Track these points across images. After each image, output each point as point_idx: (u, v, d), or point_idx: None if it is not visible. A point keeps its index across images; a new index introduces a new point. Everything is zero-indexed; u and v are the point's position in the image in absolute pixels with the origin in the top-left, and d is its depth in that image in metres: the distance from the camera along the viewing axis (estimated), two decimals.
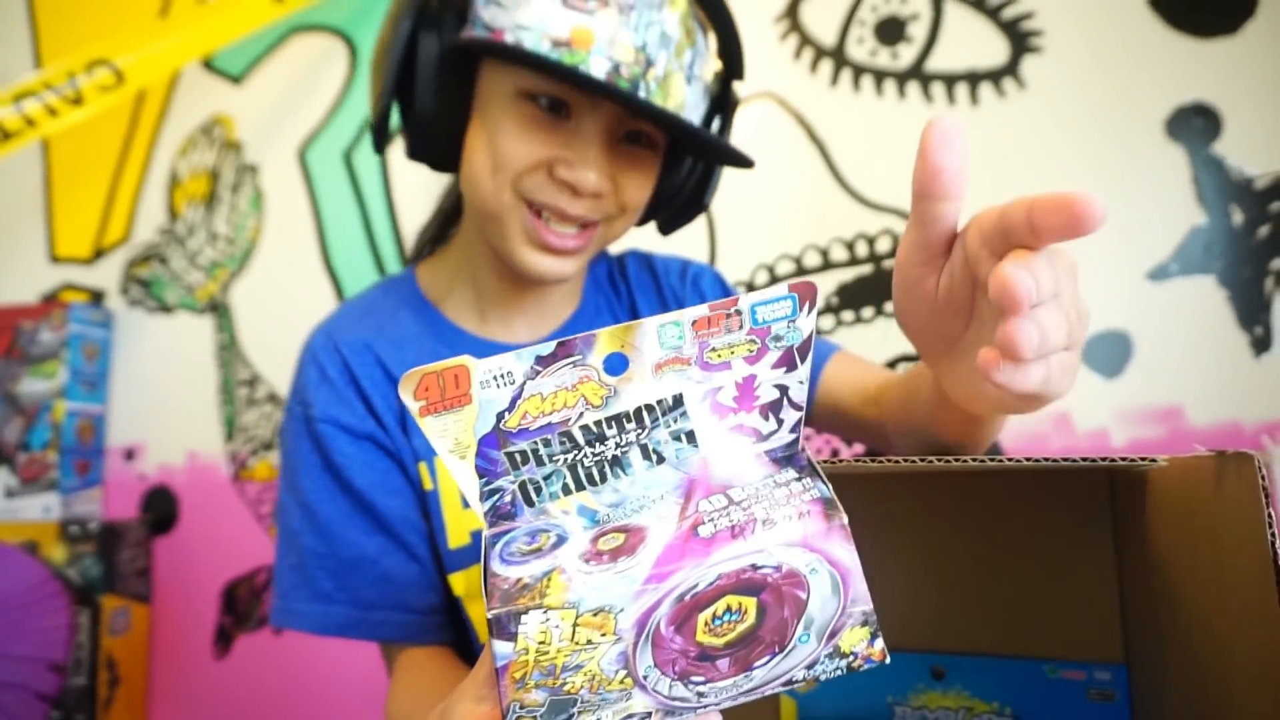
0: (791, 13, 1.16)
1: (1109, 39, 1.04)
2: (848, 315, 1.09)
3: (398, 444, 0.62)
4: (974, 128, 1.07)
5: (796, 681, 0.28)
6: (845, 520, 0.27)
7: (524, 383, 0.28)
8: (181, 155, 1.41)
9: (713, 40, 0.61)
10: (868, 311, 1.08)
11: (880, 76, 1.12)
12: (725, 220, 1.16)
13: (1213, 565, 0.33)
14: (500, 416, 0.28)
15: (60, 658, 1.11)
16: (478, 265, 0.65)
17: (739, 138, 1.15)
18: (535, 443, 0.29)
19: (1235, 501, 0.30)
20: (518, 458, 0.29)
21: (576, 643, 0.26)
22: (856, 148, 1.12)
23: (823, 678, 0.28)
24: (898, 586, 0.52)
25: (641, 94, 0.52)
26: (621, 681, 0.27)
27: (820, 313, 1.00)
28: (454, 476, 0.28)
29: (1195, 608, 0.36)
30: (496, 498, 0.29)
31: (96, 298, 1.42)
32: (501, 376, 0.27)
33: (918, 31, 1.11)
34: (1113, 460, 0.34)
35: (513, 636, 0.26)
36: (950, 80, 1.09)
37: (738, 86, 0.64)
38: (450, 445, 0.28)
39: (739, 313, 0.28)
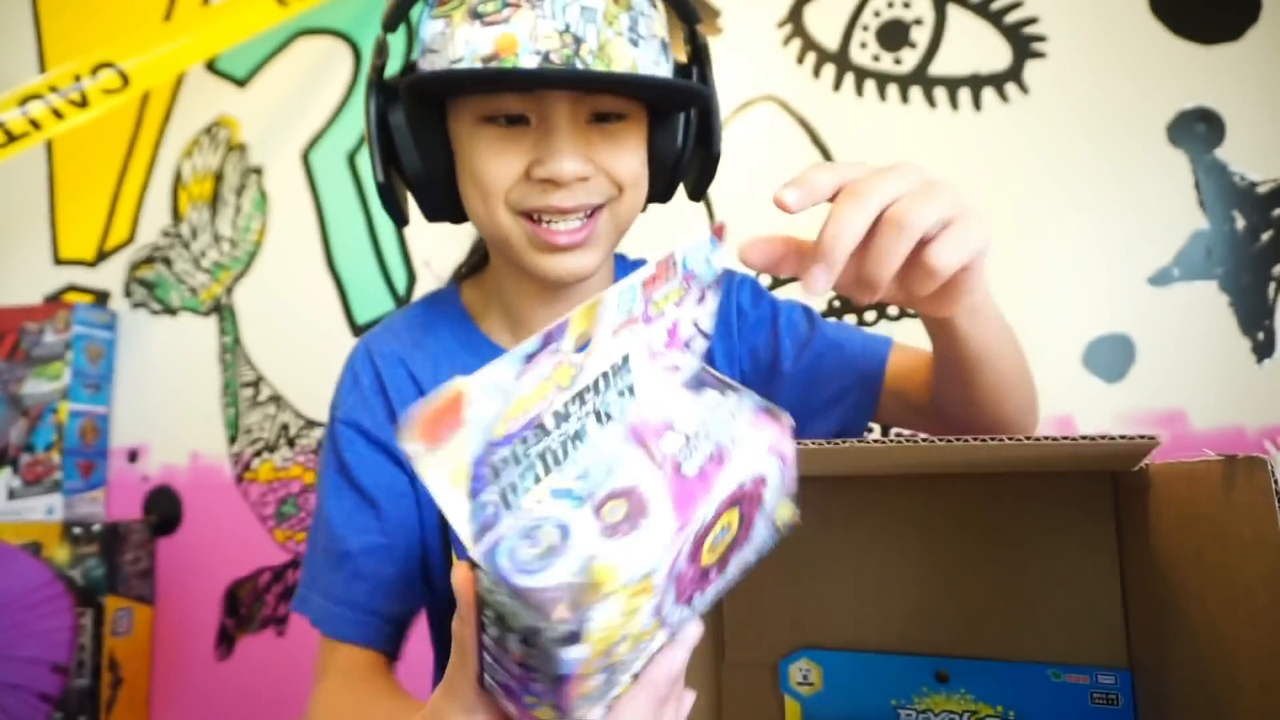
0: (795, 17, 1.17)
1: (1112, 44, 1.04)
2: (850, 319, 1.09)
3: None
4: (977, 132, 1.08)
5: (750, 565, 0.31)
6: (790, 419, 0.30)
7: (510, 389, 0.27)
8: (185, 157, 1.42)
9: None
10: (870, 315, 1.09)
11: (883, 81, 1.12)
12: (728, 223, 1.16)
13: (1220, 569, 0.33)
14: (488, 430, 0.27)
15: (63, 659, 1.11)
16: (506, 289, 0.67)
17: (742, 141, 1.16)
18: (514, 444, 0.28)
19: (1245, 506, 0.30)
20: (499, 465, 0.28)
21: (626, 615, 0.26)
22: (859, 152, 1.12)
23: (764, 554, 0.32)
24: (902, 590, 0.53)
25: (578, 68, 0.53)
26: (653, 632, 0.28)
27: (823, 315, 1.00)
28: (446, 511, 0.27)
29: (1201, 612, 0.36)
30: (482, 513, 0.28)
31: (100, 299, 1.42)
32: (492, 389, 0.27)
33: (920, 36, 1.11)
34: (1113, 438, 0.34)
35: (579, 639, 0.25)
36: (953, 85, 1.09)
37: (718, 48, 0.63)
38: (446, 479, 0.27)
39: (674, 263, 0.31)
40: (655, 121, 0.62)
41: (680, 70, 0.62)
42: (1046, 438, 0.34)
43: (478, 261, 0.73)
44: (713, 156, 0.64)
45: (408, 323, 0.70)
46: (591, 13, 0.53)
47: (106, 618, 1.20)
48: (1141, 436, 0.35)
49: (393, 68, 0.60)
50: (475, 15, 0.52)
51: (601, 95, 0.57)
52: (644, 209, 0.66)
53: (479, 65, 0.52)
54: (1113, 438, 0.34)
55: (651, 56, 0.56)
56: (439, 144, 0.59)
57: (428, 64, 0.55)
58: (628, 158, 0.59)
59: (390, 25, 0.60)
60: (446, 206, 0.62)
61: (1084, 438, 0.34)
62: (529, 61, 0.52)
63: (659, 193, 0.66)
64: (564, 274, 0.59)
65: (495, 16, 0.52)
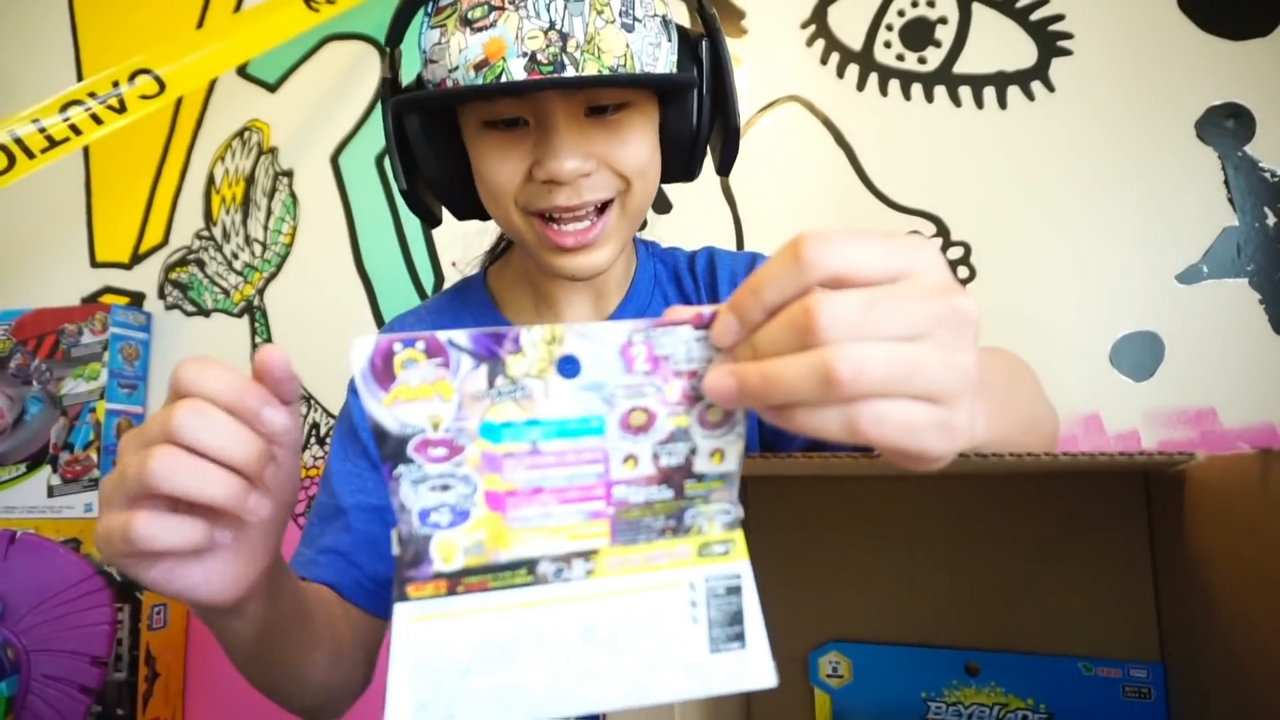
0: (818, 18, 1.17)
1: (1139, 40, 1.03)
2: None
3: None
4: (1002, 131, 1.08)
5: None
6: None
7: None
8: (218, 161, 1.44)
9: None
10: None
11: (908, 80, 1.12)
12: (751, 223, 1.16)
13: (1257, 564, 0.33)
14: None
15: (102, 652, 1.14)
16: (532, 270, 0.68)
17: (766, 142, 1.17)
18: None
19: None
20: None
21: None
22: (883, 151, 1.13)
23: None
24: (932, 583, 0.53)
25: (568, 70, 0.52)
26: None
27: None
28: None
29: (1237, 606, 0.36)
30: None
31: (136, 301, 1.45)
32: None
33: (945, 35, 1.11)
34: (1151, 455, 0.35)
35: None
36: (978, 83, 1.09)
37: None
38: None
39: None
40: (667, 101, 0.60)
41: (689, 44, 0.60)
42: (1084, 454, 0.34)
43: (505, 246, 0.74)
44: (733, 129, 0.62)
45: (432, 309, 0.71)
46: (578, 4, 0.52)
47: (144, 612, 1.22)
48: (1179, 454, 0.35)
49: (410, 75, 0.61)
50: (466, 22, 0.52)
51: (595, 88, 0.55)
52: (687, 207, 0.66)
53: (471, 74, 0.52)
54: (1149, 454, 0.35)
55: (650, 37, 0.54)
56: (454, 149, 0.60)
57: (429, 74, 0.56)
58: (632, 148, 0.58)
59: (392, 40, 0.61)
60: (472, 206, 0.63)
61: (1121, 454, 0.34)
62: (516, 64, 0.51)
63: (680, 171, 0.64)
64: (577, 273, 0.59)
65: (483, 21, 0.52)
